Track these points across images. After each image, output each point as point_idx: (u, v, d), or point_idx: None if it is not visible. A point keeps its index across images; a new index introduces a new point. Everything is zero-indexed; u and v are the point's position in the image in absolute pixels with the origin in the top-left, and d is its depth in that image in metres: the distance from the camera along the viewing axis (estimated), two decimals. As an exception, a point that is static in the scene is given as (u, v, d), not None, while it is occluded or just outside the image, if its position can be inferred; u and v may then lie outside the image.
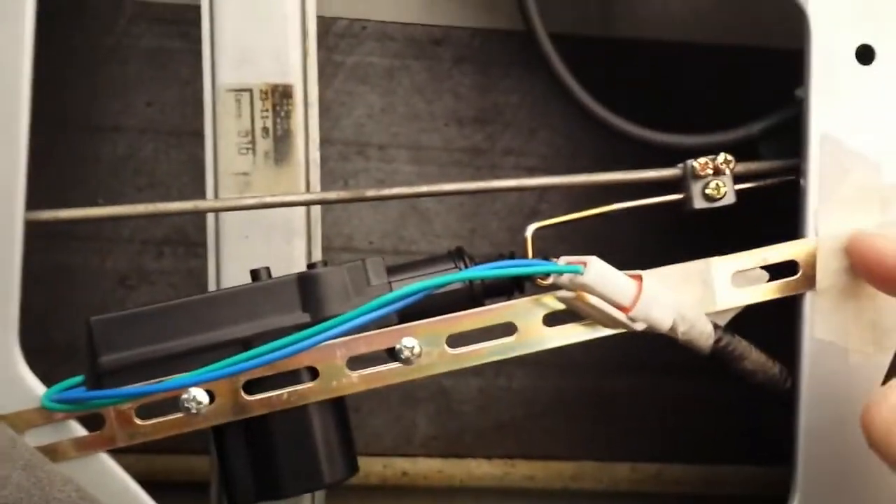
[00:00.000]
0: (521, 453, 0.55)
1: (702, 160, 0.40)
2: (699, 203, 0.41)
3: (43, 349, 0.38)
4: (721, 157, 0.40)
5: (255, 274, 0.38)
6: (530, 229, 0.39)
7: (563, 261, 0.37)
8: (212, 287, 0.43)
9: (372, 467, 0.53)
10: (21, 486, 0.32)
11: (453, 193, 0.41)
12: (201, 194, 0.43)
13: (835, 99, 0.39)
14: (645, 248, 0.51)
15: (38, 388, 0.37)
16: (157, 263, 0.52)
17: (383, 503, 0.54)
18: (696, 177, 0.41)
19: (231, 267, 0.42)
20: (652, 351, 0.52)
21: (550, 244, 0.40)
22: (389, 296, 0.35)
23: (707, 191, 0.40)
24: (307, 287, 0.37)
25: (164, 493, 0.40)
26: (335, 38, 0.53)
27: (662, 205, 0.41)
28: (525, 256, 0.39)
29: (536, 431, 0.55)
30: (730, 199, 0.41)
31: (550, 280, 0.38)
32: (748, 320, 0.39)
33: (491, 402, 0.55)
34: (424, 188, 0.41)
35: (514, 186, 0.42)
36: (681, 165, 0.41)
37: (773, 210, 0.39)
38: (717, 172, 0.40)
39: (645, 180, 0.42)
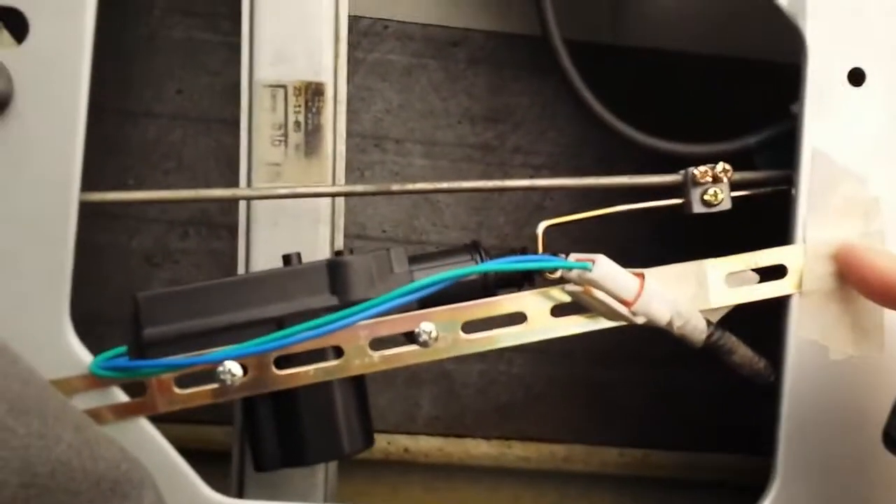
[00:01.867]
0: (518, 435, 0.58)
1: (702, 168, 0.43)
2: (698, 208, 0.44)
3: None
4: (720, 166, 0.43)
5: (287, 259, 0.41)
6: (541, 227, 0.42)
7: (573, 258, 0.40)
8: (241, 269, 0.46)
9: (377, 443, 0.55)
10: (72, 445, 0.33)
11: (470, 191, 0.44)
12: (226, 179, 0.45)
13: (826, 116, 0.43)
14: (643, 247, 0.54)
15: (85, 356, 0.39)
16: (182, 243, 0.55)
17: (386, 477, 0.57)
18: (696, 183, 0.43)
19: (260, 251, 0.45)
20: (642, 343, 0.55)
21: (553, 238, 0.42)
22: (414, 284, 0.38)
23: (706, 197, 0.43)
24: (336, 272, 0.40)
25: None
26: (358, 36, 0.56)
27: (663, 208, 0.44)
28: (536, 252, 0.42)
29: (532, 415, 0.58)
30: (726, 205, 0.44)
31: (558, 274, 0.41)
32: (739, 320, 0.43)
33: (491, 385, 0.58)
34: (444, 185, 0.43)
35: (525, 186, 0.46)
36: (682, 172, 0.44)
37: (765, 217, 0.42)
38: (716, 180, 0.43)
39: (648, 185, 0.45)
